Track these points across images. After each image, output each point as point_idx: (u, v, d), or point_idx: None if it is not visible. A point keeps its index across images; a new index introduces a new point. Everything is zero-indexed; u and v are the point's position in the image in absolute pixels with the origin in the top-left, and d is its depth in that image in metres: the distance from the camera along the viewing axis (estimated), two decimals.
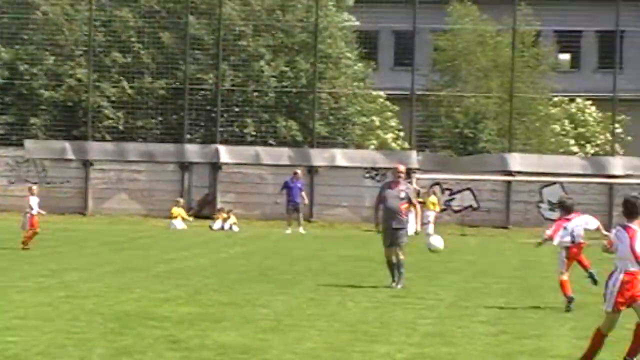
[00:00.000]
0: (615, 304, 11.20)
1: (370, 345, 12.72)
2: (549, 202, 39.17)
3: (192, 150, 40.65)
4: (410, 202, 19.42)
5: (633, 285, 11.16)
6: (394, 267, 19.22)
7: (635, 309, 11.22)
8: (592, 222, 17.39)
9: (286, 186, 36.81)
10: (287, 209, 36.61)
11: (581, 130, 43.84)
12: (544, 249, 30.54)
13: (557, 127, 42.93)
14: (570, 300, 16.77)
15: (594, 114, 44.16)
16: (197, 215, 39.16)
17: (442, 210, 38.68)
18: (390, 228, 19.14)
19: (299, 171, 37.48)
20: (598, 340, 11.40)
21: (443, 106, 42.85)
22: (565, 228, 17.07)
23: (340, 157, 40.57)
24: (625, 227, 11.24)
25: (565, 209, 17.38)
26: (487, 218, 39.30)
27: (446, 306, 16.90)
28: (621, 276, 11.18)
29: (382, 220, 19.32)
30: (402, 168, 19.88)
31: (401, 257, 19.20)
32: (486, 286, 20.02)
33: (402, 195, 19.21)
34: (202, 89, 41.45)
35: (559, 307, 16.96)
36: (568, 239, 17.10)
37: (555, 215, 38.20)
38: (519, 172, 39.20)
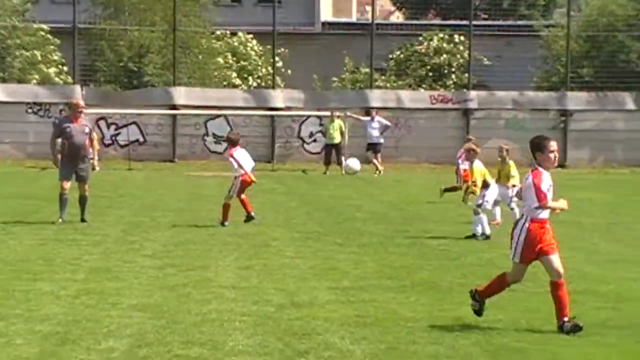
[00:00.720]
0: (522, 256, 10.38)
1: (33, 284, 12.58)
2: (214, 135, 39.75)
3: None
4: (90, 137, 19.73)
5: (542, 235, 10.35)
6: (65, 203, 19.25)
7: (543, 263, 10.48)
8: None
9: None
10: None
11: (243, 63, 44.59)
12: (211, 181, 31.10)
13: (220, 61, 43.44)
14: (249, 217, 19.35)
15: (256, 48, 45.01)
16: None
17: (108, 145, 38.44)
18: (74, 163, 19.33)
19: None
20: (500, 284, 10.70)
21: (107, 40, 42.29)
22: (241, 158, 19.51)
23: (1, 92, 39.32)
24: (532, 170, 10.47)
25: (230, 141, 19.85)
26: (154, 152, 39.35)
27: (112, 241, 16.91)
28: (527, 225, 10.34)
29: (65, 155, 19.30)
30: (82, 103, 20.29)
31: (86, 192, 19.50)
32: (153, 220, 20.17)
33: (87, 130, 19.57)
34: None
35: (225, 239, 17.39)
36: (246, 169, 19.37)
37: (221, 148, 39.13)
38: (184, 106, 39.45)
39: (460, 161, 25.44)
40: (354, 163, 18.79)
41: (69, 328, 10.16)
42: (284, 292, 12.38)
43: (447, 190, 25.13)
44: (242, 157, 19.67)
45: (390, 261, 15.11)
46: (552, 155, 10.42)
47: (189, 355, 9.13)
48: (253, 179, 19.62)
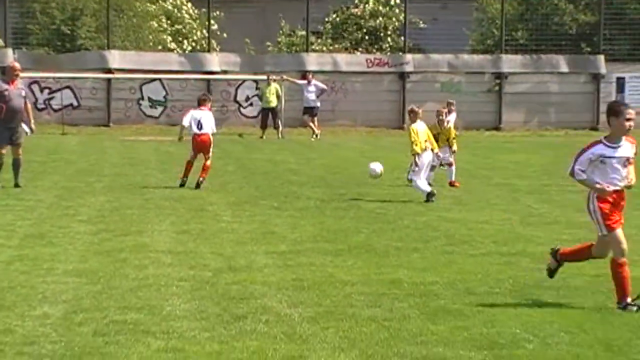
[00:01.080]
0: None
1: None
2: (150, 99, 39.44)
3: None
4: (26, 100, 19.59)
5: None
6: (0, 168, 19.12)
7: None
8: None
9: None
10: None
11: (178, 27, 44.23)
12: (146, 145, 30.90)
13: (154, 24, 43.02)
14: (183, 184, 19.64)
15: (191, 11, 44.64)
16: None
17: (42, 110, 37.98)
18: (10, 126, 19.16)
19: None
20: (584, 254, 10.30)
21: (39, 2, 41.65)
22: (195, 118, 19.86)
23: None
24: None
25: (198, 102, 20.41)
26: (89, 116, 38.94)
27: (47, 207, 16.74)
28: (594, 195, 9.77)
29: (2, 119, 19.08)
30: (18, 66, 19.93)
31: (20, 156, 19.39)
32: (88, 185, 19.99)
33: (23, 93, 19.47)
34: None
35: (161, 204, 17.29)
36: (195, 129, 19.78)
37: (157, 111, 38.85)
38: (119, 70, 39.04)
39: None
40: (377, 167, 18.79)
41: (3, 295, 10.04)
42: (221, 256, 12.35)
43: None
44: (199, 117, 19.82)
45: (328, 225, 15.13)
46: (627, 123, 9.71)
47: (126, 320, 9.07)
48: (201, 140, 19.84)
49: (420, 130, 18.50)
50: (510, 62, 40.77)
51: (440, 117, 21.00)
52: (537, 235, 14.35)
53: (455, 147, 21.05)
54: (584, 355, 8.19)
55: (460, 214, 16.58)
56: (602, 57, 40.71)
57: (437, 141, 19.68)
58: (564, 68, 40.86)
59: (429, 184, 18.85)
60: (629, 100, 41.04)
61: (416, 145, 18.32)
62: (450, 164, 20.84)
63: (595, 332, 8.87)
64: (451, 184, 20.59)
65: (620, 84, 41.10)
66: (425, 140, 18.41)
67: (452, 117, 25.05)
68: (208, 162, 19.76)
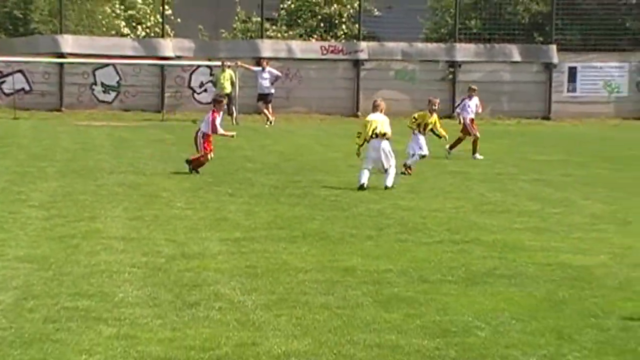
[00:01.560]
0: None
1: None
2: (102, 84, 39.15)
3: None
4: None
5: None
6: None
7: None
8: None
9: None
10: None
11: (132, 12, 43.91)
12: (99, 131, 30.68)
13: (107, 9, 42.68)
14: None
15: None
16: None
17: None
18: None
19: None
20: None
21: None
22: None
23: None
24: None
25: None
26: (41, 101, 38.57)
27: None
28: None
29: None
30: None
31: None
32: (40, 170, 19.81)
33: None
34: None
35: (114, 190, 17.19)
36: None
37: (110, 97, 38.58)
38: (72, 54, 38.69)
39: (462, 111, 25.85)
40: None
41: None
42: (174, 243, 12.30)
43: (452, 146, 24.92)
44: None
45: (282, 212, 15.12)
46: None
47: (77, 307, 9.01)
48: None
49: (372, 120, 18.49)
50: (463, 50, 40.91)
51: (434, 107, 21.74)
52: (490, 223, 14.44)
53: (444, 134, 21.98)
54: (535, 342, 8.26)
55: (414, 202, 16.63)
56: (554, 47, 40.97)
57: (424, 129, 21.14)
58: (517, 57, 41.05)
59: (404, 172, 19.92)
60: (580, 90, 41.45)
61: (358, 137, 18.51)
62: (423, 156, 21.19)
63: (546, 319, 8.94)
64: (405, 167, 20.59)
65: (572, 73, 41.40)
66: (374, 130, 18.38)
67: (474, 102, 26.08)
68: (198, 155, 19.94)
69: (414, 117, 21.60)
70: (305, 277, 10.47)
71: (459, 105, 25.91)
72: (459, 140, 25.22)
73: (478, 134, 25.27)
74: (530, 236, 13.31)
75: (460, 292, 9.95)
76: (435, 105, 21.83)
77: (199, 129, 20.27)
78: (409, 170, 20.67)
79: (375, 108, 18.82)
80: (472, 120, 25.71)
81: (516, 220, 14.77)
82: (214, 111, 20.30)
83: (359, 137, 18.55)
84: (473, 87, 27.13)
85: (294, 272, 10.70)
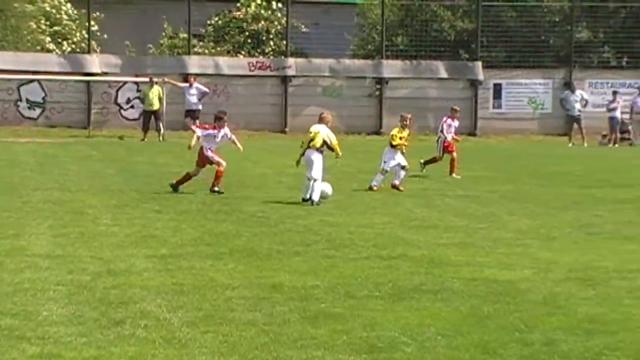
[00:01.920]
0: None
1: None
2: (27, 100, 38.74)
3: None
4: None
5: None
6: None
7: None
8: None
9: None
10: None
11: (57, 28, 43.50)
12: (24, 147, 30.30)
13: (33, 25, 42.24)
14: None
15: (70, 12, 43.95)
16: None
17: None
18: None
19: None
20: None
21: None
22: None
23: None
24: None
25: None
26: None
27: None
28: None
29: None
30: None
31: None
32: None
33: None
34: None
35: (39, 206, 17.00)
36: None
37: (35, 113, 38.12)
38: None
39: (444, 132, 25.43)
40: (328, 188, 18.69)
41: None
42: (100, 260, 12.19)
43: (427, 162, 24.95)
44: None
45: (209, 228, 15.07)
46: None
47: (0, 326, 8.89)
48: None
49: (312, 130, 18.75)
50: (390, 67, 41.19)
51: (407, 122, 21.80)
52: (417, 239, 14.52)
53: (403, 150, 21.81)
54: (460, 358, 8.32)
55: (341, 217, 16.67)
56: (479, 64, 41.44)
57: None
58: (443, 74, 41.44)
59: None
60: (505, 106, 41.93)
61: (301, 146, 18.62)
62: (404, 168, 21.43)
63: (471, 335, 9.01)
64: (393, 187, 20.88)
65: (497, 90, 41.92)
66: (309, 140, 18.58)
67: (454, 125, 25.71)
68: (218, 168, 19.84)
69: (400, 137, 21.48)
70: (232, 294, 10.44)
71: (442, 129, 25.52)
72: (434, 160, 25.24)
73: (455, 154, 24.96)
74: (457, 251, 13.42)
75: (387, 308, 9.99)
76: (406, 121, 21.87)
77: (202, 147, 20.13)
78: (401, 187, 20.89)
79: (320, 120, 19.08)
80: (446, 141, 25.33)
81: (443, 235, 14.88)
82: (214, 127, 20.25)
83: (301, 146, 18.77)
84: (455, 107, 26.80)
85: (221, 289, 10.66)
